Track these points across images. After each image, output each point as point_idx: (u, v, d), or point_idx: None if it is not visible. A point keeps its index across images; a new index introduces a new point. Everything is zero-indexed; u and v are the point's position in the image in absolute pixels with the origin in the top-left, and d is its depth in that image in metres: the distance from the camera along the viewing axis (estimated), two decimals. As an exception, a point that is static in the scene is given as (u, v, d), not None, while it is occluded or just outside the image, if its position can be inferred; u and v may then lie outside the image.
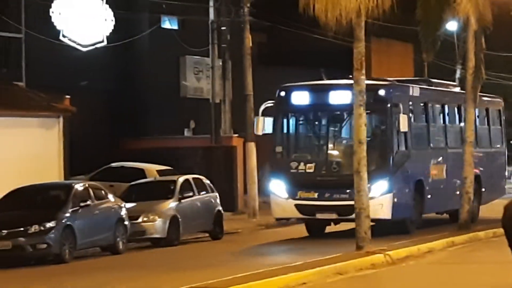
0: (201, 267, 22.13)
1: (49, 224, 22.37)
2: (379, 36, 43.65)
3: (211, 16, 44.39)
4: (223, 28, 44.46)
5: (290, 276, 17.18)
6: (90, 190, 24.80)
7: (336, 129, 24.00)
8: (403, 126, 23.27)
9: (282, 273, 17.49)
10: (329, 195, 24.32)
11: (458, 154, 27.73)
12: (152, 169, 37.46)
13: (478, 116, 31.25)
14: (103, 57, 43.21)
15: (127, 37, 44.64)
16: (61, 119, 36.17)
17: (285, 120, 25.30)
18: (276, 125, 25.30)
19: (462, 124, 29.52)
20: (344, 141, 25.09)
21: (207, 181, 32.08)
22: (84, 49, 40.14)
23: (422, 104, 27.68)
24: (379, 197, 23.14)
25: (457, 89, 34.66)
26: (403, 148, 24.95)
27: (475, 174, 28.20)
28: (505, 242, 12.67)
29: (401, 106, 23.45)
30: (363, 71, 24.72)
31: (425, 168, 26.75)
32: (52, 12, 38.25)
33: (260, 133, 25.62)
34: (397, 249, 22.13)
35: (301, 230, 27.31)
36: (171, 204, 29.16)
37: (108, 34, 39.70)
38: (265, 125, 27.27)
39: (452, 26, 46.29)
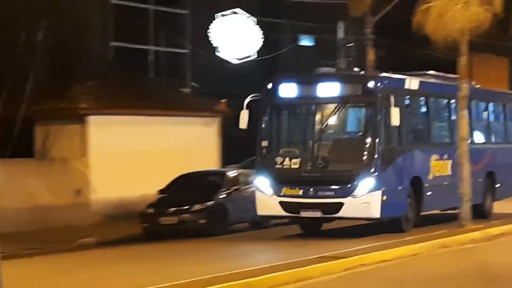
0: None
1: (208, 204, 23.16)
2: (479, 51, 42.12)
3: (340, 34, 44.04)
4: (350, 44, 44.03)
5: (404, 248, 17.06)
6: (240, 177, 25.15)
7: (323, 123, 20.05)
8: (395, 120, 18.96)
9: (394, 246, 17.37)
10: (314, 192, 19.90)
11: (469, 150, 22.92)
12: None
13: (493, 112, 27.55)
14: (252, 68, 43.61)
15: (272, 52, 44.85)
16: (218, 119, 37.00)
17: (270, 113, 21.08)
18: (262, 118, 21.02)
19: (473, 119, 25.22)
20: (331, 136, 20.85)
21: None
22: (237, 62, 40.82)
23: (423, 98, 23.25)
24: (366, 195, 19.14)
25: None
26: (395, 143, 20.41)
27: (488, 170, 25.21)
28: None
29: (392, 99, 19.14)
30: (465, 82, 24.92)
31: (425, 164, 22.12)
32: (210, 32, 39.27)
33: (244, 127, 20.97)
34: (492, 227, 21.66)
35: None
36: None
37: (257, 50, 40.41)
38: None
39: None
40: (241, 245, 20.94)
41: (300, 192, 17.94)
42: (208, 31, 38.95)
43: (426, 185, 21.15)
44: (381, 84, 19.61)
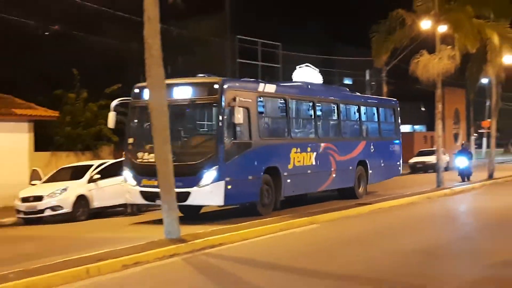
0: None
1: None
2: (448, 85, 41.22)
3: (367, 77, 47.14)
4: (372, 83, 47.41)
5: (283, 223, 15.30)
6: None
7: (177, 122, 17.06)
8: (238, 118, 16.09)
9: (298, 217, 16.16)
10: None
11: (327, 143, 20.81)
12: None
13: (365, 113, 24.12)
14: None
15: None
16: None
17: (135, 114, 18.11)
18: (128, 118, 18.28)
19: (342, 118, 22.51)
20: (183, 133, 17.85)
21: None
22: None
23: (282, 99, 19.39)
24: (209, 185, 16.42)
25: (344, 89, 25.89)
26: (244, 138, 17.13)
27: (360, 160, 22.38)
28: None
29: (238, 99, 16.23)
30: (440, 105, 27.35)
31: (284, 156, 18.70)
32: (293, 77, 38.10)
33: (111, 126, 18.36)
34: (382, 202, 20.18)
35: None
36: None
37: None
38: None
39: (484, 80, 41.38)
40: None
41: (156, 183, 14.42)
42: (292, 76, 41.60)
43: (285, 174, 18.41)
44: (225, 87, 16.51)
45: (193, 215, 17.65)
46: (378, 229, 15.62)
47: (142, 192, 17.04)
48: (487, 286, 8.98)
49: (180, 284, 9.86)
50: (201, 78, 18.23)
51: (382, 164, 24.29)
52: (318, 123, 20.80)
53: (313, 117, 20.81)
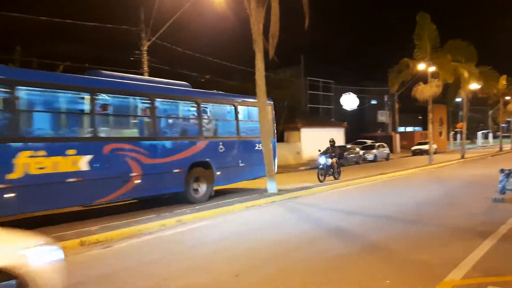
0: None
1: None
2: (436, 103, 33.45)
3: (385, 99, 46.83)
4: (389, 102, 46.22)
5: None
6: None
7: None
8: None
9: None
10: None
11: (119, 144, 10.61)
12: None
13: (210, 112, 13.74)
14: (357, 111, 44.36)
15: (360, 106, 45.43)
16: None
17: None
18: None
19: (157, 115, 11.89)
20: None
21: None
22: (350, 109, 42.58)
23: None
24: None
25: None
26: None
27: (198, 161, 12.49)
28: None
29: None
30: (430, 114, 25.78)
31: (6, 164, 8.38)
32: (341, 101, 43.43)
33: None
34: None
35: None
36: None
37: (356, 105, 43.08)
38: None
39: (458, 99, 37.04)
40: None
41: None
42: (341, 100, 43.13)
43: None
44: None
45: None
46: (388, 189, 14.08)
47: None
48: (457, 222, 8.31)
49: (279, 215, 10.10)
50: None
51: (241, 164, 14.24)
52: (97, 119, 10.44)
53: (90, 112, 10.30)
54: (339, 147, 19.87)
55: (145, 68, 19.11)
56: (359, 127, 43.62)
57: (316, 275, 5.32)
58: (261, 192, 13.26)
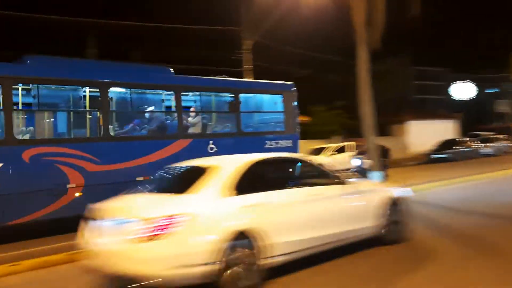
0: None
1: None
2: None
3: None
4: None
5: None
6: None
7: None
8: None
9: None
10: None
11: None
12: None
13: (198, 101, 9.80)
14: (471, 101, 41.81)
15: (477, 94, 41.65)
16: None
17: None
18: None
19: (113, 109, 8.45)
20: None
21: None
22: (463, 99, 39.42)
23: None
24: None
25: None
26: None
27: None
28: None
29: None
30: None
31: None
32: (450, 90, 39.81)
33: None
34: None
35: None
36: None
37: (474, 94, 39.63)
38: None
39: None
40: None
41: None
42: (452, 89, 40.02)
43: None
44: None
45: None
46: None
47: None
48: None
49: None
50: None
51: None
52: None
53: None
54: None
55: (246, 66, 19.39)
56: (472, 119, 41.74)
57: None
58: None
